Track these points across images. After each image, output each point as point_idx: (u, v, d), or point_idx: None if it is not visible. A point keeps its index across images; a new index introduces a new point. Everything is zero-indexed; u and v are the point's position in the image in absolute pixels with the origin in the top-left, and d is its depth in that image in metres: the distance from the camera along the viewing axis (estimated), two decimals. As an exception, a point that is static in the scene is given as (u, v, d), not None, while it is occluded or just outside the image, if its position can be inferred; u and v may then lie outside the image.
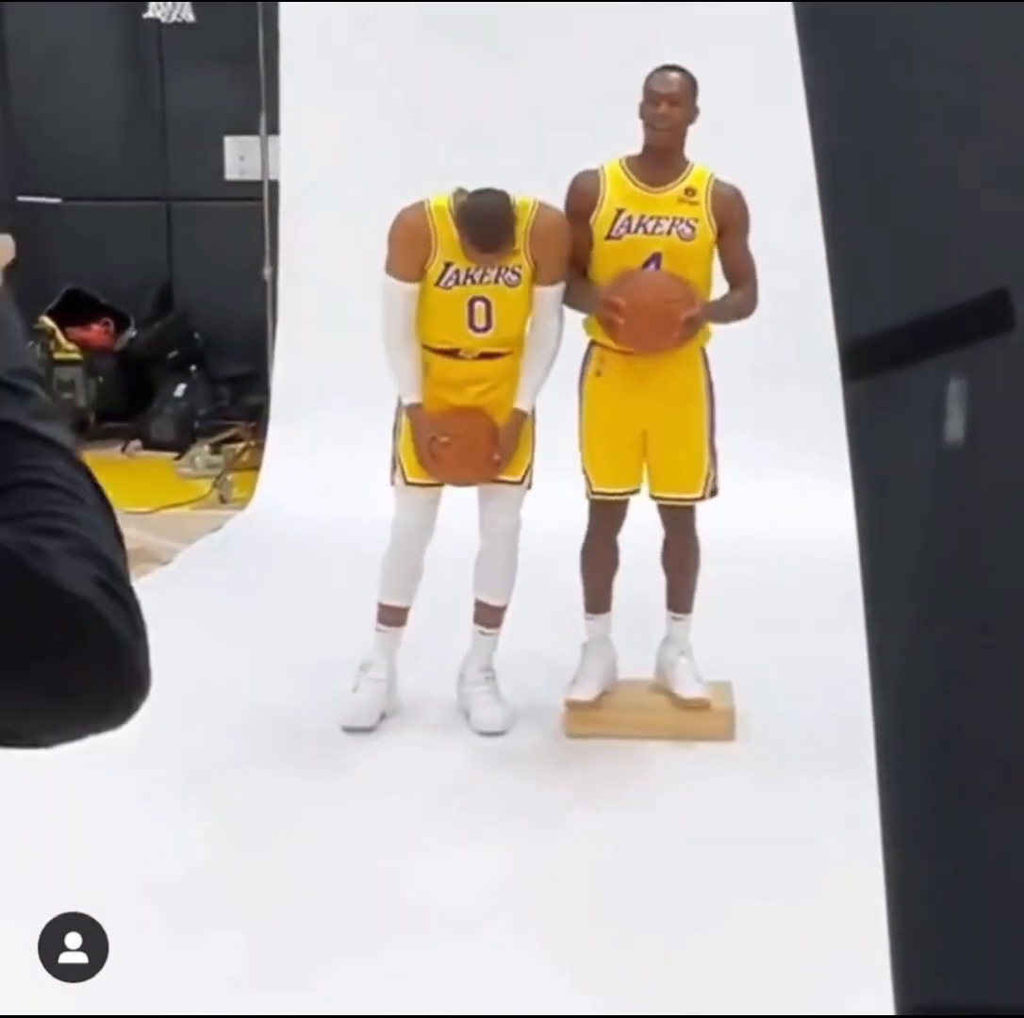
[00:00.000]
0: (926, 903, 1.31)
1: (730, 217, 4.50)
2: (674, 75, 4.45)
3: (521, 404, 4.58)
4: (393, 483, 4.68)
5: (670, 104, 4.41)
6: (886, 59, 1.27)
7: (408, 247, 4.48)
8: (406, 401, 4.59)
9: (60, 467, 0.94)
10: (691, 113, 4.47)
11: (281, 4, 7.42)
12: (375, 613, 4.76)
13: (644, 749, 4.56)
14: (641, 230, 4.46)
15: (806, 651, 5.08)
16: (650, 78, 4.47)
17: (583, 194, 4.50)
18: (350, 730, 4.65)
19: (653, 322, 4.37)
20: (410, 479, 4.62)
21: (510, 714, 4.70)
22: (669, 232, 4.45)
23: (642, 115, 4.47)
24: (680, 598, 4.72)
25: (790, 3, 1.33)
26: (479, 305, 4.50)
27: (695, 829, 4.07)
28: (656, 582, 4.73)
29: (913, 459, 1.29)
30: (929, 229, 1.27)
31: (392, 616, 4.75)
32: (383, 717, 4.74)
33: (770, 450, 6.56)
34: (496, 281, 4.47)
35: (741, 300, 4.58)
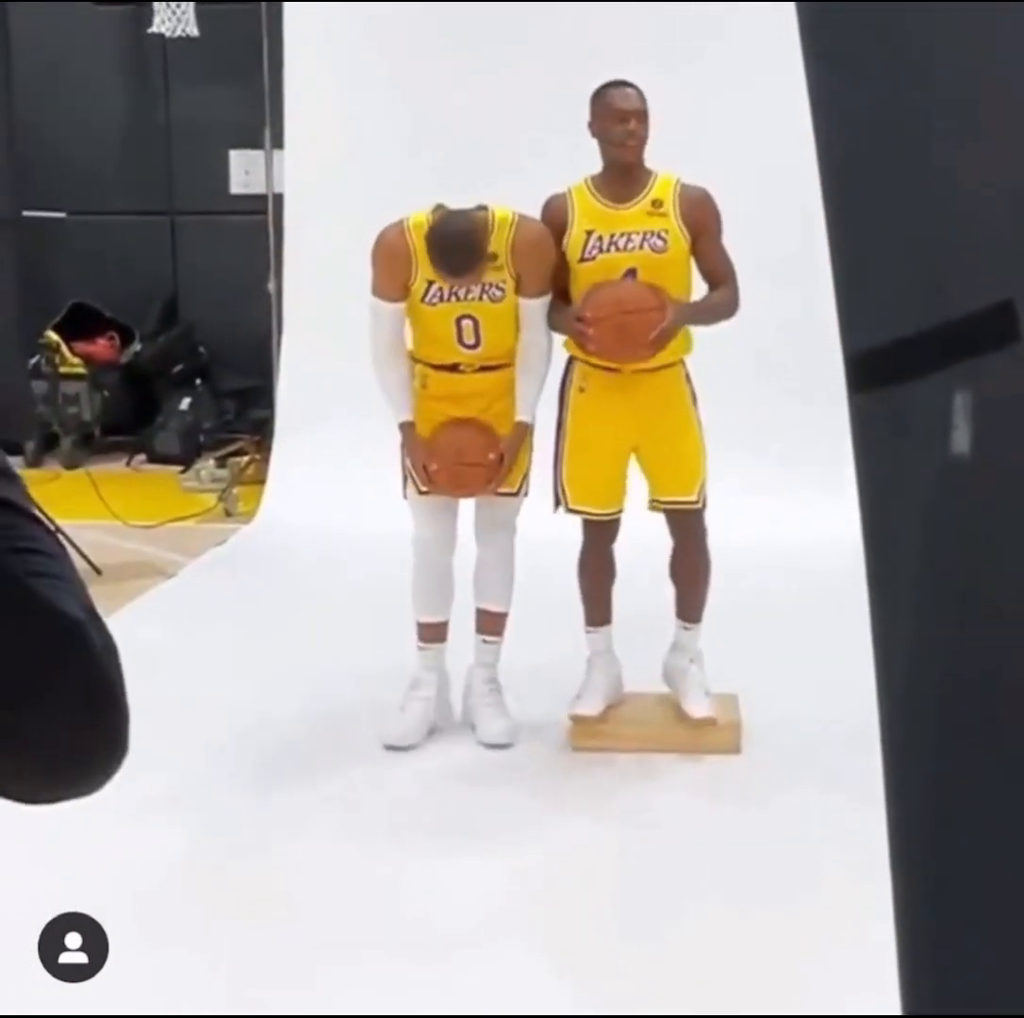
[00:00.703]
0: (932, 911, 1.31)
1: (701, 220, 4.47)
2: (632, 91, 4.44)
3: (522, 416, 4.57)
4: (406, 497, 4.67)
5: (638, 120, 4.40)
6: (891, 65, 1.27)
7: (389, 267, 4.48)
8: (397, 420, 4.58)
9: (45, 538, 1.10)
10: (649, 127, 4.46)
11: (285, 20, 7.44)
12: (414, 631, 4.74)
13: (650, 762, 4.55)
14: (613, 248, 4.44)
15: (812, 663, 5.07)
16: (609, 96, 4.43)
17: (553, 219, 4.49)
18: (392, 748, 4.62)
19: (619, 333, 4.34)
20: (422, 488, 4.61)
21: (515, 726, 4.69)
22: (641, 246, 4.43)
23: (601, 134, 4.44)
24: (689, 608, 4.71)
25: (794, 3, 1.33)
26: (467, 323, 4.49)
27: (700, 840, 4.06)
28: (661, 594, 4.72)
29: (918, 471, 1.29)
30: (934, 240, 1.27)
31: (430, 632, 4.72)
32: (431, 732, 4.72)
33: (775, 461, 6.57)
34: (480, 298, 4.46)
35: (719, 301, 4.53)
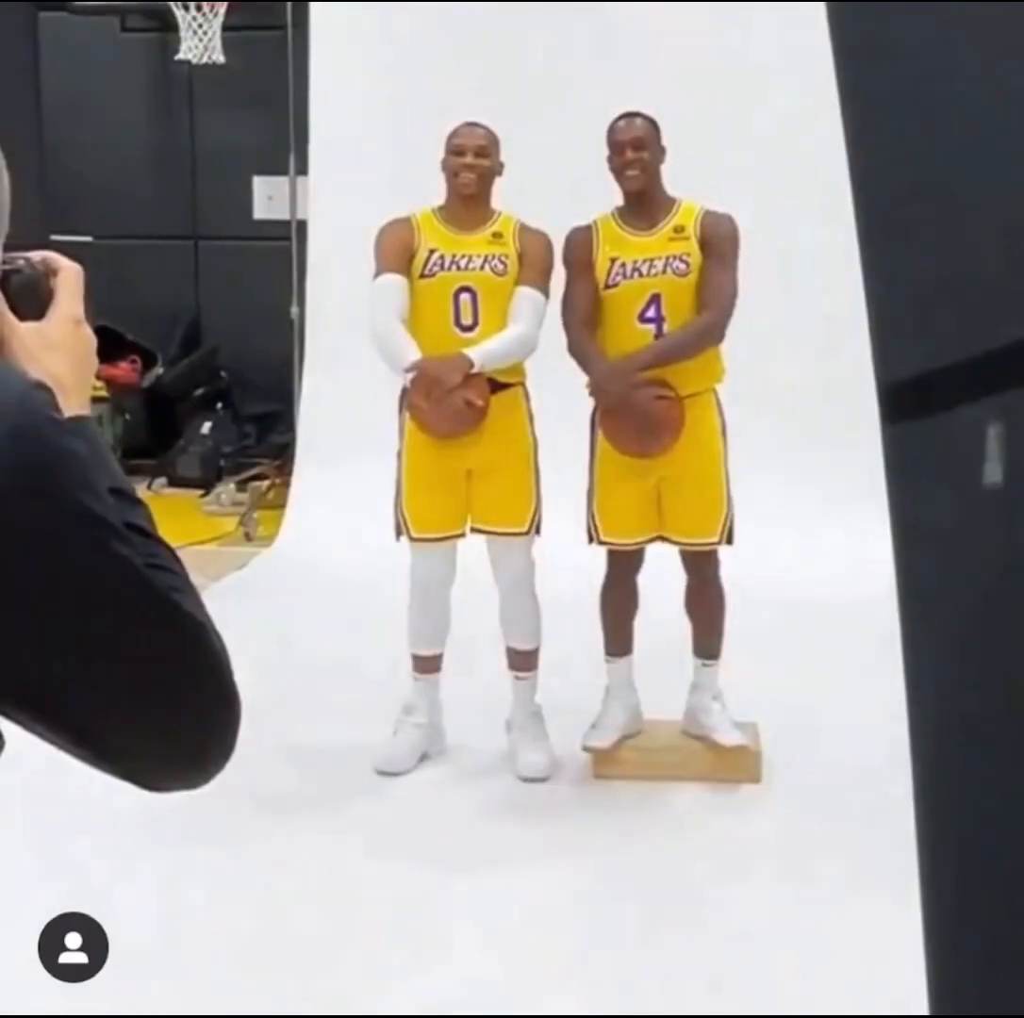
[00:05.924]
0: (963, 931, 1.31)
1: (712, 235, 4.44)
2: (636, 121, 4.48)
3: (472, 354, 4.39)
4: (398, 540, 4.67)
5: (634, 149, 4.42)
6: (925, 104, 1.27)
7: (393, 239, 4.52)
8: (409, 360, 4.39)
9: (170, 557, 1.22)
10: (658, 154, 4.49)
11: (311, 47, 7.49)
12: (409, 662, 4.76)
13: (671, 790, 4.55)
14: (636, 274, 4.44)
15: (832, 691, 5.08)
16: (611, 128, 4.50)
17: (578, 249, 4.50)
18: (384, 774, 4.65)
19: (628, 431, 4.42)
20: (416, 535, 4.61)
21: (553, 761, 4.66)
22: (664, 271, 4.43)
23: (611, 167, 4.49)
24: (707, 644, 4.70)
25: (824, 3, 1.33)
26: (465, 298, 4.47)
27: (721, 867, 4.06)
28: (681, 625, 4.71)
29: (952, 502, 1.30)
30: (968, 274, 1.27)
31: (424, 664, 4.75)
32: (424, 758, 4.73)
33: (806, 491, 6.55)
34: (482, 268, 4.47)
35: (690, 336, 4.43)
